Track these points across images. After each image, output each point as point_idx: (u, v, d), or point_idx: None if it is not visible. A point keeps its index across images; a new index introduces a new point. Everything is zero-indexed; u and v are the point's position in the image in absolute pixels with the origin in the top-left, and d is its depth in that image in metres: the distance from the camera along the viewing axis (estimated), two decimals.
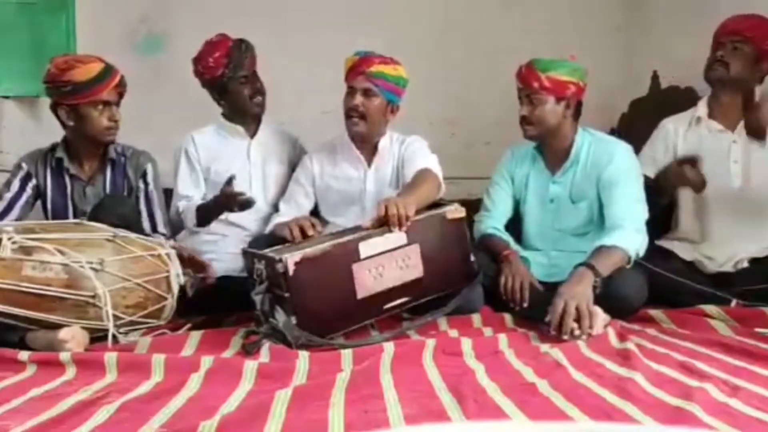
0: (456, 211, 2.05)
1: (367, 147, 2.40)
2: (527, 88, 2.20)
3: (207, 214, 2.39)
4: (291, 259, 1.78)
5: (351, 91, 2.28)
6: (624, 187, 2.17)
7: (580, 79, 2.22)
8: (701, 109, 2.42)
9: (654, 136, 2.49)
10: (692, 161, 2.20)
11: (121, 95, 2.26)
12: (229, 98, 2.49)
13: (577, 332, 1.82)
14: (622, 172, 2.20)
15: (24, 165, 2.28)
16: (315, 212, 2.45)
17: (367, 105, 2.26)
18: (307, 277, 1.80)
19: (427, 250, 1.98)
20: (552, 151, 2.32)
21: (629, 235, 2.07)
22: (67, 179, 2.28)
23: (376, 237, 1.91)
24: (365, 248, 1.89)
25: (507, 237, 2.33)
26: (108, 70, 2.22)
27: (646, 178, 2.30)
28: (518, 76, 2.24)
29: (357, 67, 2.26)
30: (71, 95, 2.18)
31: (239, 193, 2.16)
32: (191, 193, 2.53)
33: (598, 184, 2.23)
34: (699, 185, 2.23)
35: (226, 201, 2.22)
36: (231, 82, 2.43)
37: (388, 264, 1.92)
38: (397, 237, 1.93)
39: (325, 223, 2.38)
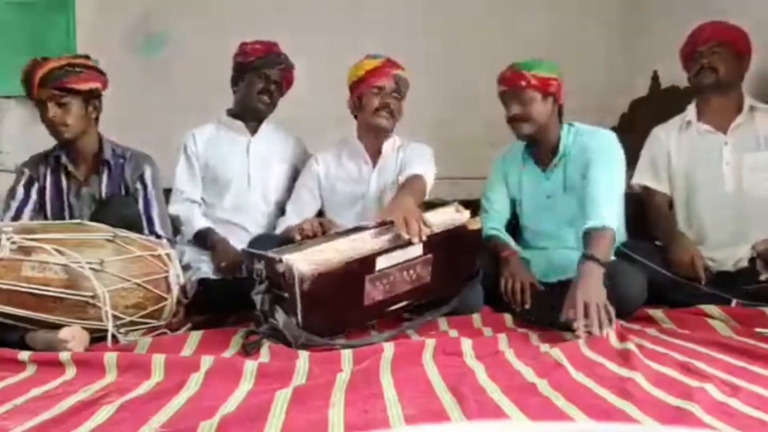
0: (476, 222, 2.06)
1: (373, 148, 2.42)
2: (514, 89, 2.25)
3: (202, 244, 2.48)
4: (309, 272, 1.75)
5: (379, 90, 2.36)
6: (600, 164, 2.15)
7: (559, 75, 2.27)
8: (690, 112, 2.47)
9: (648, 144, 2.54)
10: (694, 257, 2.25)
11: (61, 89, 2.15)
12: (242, 86, 2.56)
13: (580, 330, 1.80)
14: (598, 152, 2.19)
15: (26, 170, 2.29)
16: (320, 213, 2.47)
17: (395, 104, 2.38)
18: (321, 289, 1.78)
19: (439, 259, 1.97)
20: (541, 149, 2.35)
21: (609, 211, 2.04)
22: (64, 178, 2.28)
23: (395, 251, 1.88)
24: (381, 261, 1.87)
25: (507, 238, 2.34)
26: (31, 69, 2.16)
27: (650, 190, 2.42)
28: (503, 80, 2.29)
29: (383, 69, 2.36)
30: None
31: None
32: (188, 189, 2.55)
33: (584, 168, 2.22)
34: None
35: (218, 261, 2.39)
36: (251, 72, 2.53)
37: (399, 274, 1.92)
38: (415, 249, 1.92)
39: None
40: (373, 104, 2.37)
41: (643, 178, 2.50)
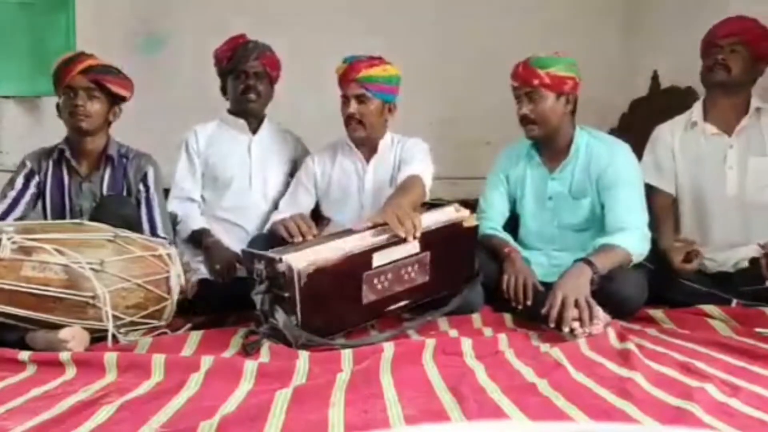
0: (471, 219, 2.05)
1: (367, 147, 2.41)
2: (526, 86, 2.18)
3: (196, 244, 2.46)
4: (306, 268, 1.76)
5: (345, 100, 2.30)
6: (624, 189, 2.17)
7: (576, 73, 2.20)
8: (696, 112, 2.41)
9: (652, 142, 2.48)
10: (691, 254, 2.22)
11: (96, 83, 2.20)
12: (228, 90, 2.57)
13: (578, 331, 1.81)
14: (622, 173, 2.19)
15: (28, 162, 2.29)
16: (315, 210, 2.46)
17: (363, 111, 2.28)
18: (318, 286, 1.78)
19: (437, 257, 1.97)
20: (551, 148, 2.30)
21: (632, 237, 2.08)
22: (66, 174, 2.28)
23: (390, 247, 1.89)
24: (378, 258, 1.87)
25: (506, 236, 2.32)
26: (75, 57, 2.24)
27: (653, 189, 2.36)
28: (515, 76, 2.22)
29: (347, 75, 2.27)
30: (55, 87, 2.24)
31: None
32: (188, 186, 2.55)
33: (598, 183, 2.22)
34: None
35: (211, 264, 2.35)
36: (230, 74, 2.53)
37: (397, 272, 1.92)
38: (411, 246, 1.92)
39: (327, 220, 2.39)
40: (343, 115, 2.32)
41: (646, 176, 2.40)
